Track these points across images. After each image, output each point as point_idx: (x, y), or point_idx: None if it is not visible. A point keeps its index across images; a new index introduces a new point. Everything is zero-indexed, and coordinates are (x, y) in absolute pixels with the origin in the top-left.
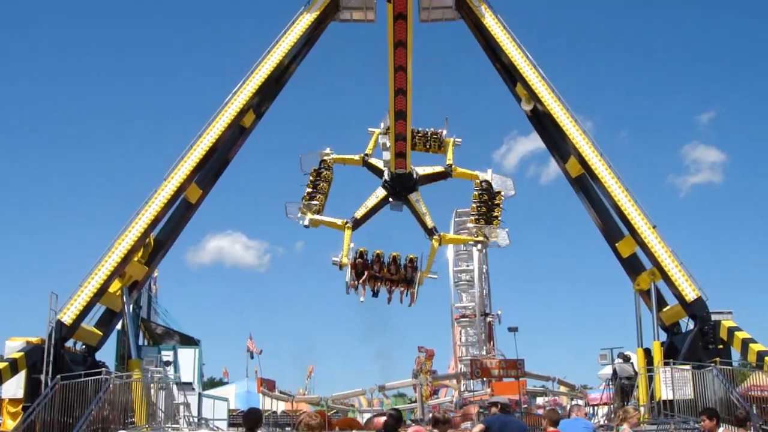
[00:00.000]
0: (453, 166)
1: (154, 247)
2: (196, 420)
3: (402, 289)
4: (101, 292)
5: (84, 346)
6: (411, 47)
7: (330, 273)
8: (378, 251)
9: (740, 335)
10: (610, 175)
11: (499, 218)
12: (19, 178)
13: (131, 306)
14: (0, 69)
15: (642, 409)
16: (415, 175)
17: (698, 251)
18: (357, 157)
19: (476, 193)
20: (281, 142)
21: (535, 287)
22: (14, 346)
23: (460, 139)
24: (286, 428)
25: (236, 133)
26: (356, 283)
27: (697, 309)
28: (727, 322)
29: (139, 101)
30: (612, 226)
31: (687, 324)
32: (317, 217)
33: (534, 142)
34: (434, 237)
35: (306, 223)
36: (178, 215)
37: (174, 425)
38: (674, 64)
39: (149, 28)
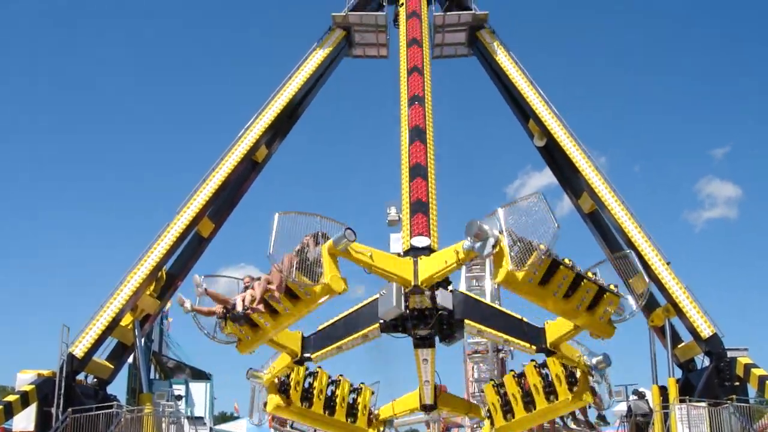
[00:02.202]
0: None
1: (167, 280)
2: None
3: None
4: (113, 325)
5: (95, 380)
6: (429, 76)
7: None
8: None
9: (757, 372)
10: (624, 211)
11: None
12: (33, 210)
13: (143, 339)
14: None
15: None
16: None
17: (714, 286)
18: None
19: None
20: (296, 177)
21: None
22: (25, 379)
23: None
24: None
25: (249, 167)
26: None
27: (712, 346)
28: (744, 359)
29: (153, 136)
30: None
31: (702, 361)
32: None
33: (548, 177)
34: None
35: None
36: (191, 249)
37: None
38: (688, 99)
39: (165, 65)
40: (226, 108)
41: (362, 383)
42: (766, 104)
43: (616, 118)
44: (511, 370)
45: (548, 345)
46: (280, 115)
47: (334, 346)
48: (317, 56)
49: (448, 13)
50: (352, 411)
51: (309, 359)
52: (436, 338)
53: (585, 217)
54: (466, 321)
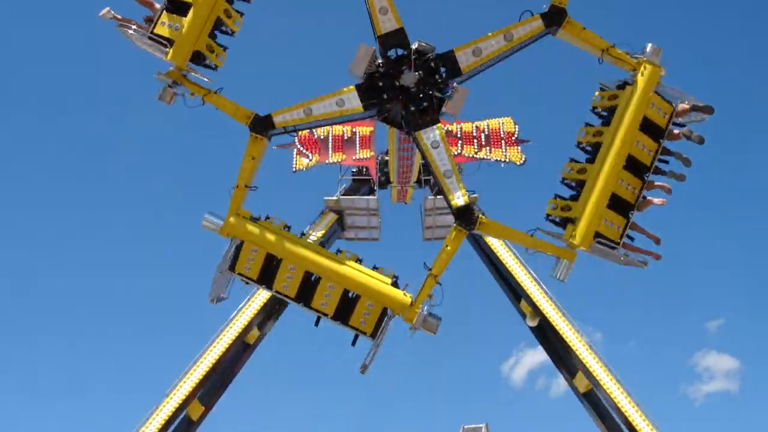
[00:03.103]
0: None
1: None
2: None
3: None
4: None
5: None
6: None
7: None
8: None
9: None
10: (620, 390)
11: None
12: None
13: None
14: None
15: None
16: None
17: None
18: None
19: None
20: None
21: None
22: None
23: None
24: None
25: (240, 350)
26: None
27: None
28: None
29: (141, 317)
30: None
31: None
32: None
33: (543, 354)
34: (458, 228)
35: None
36: None
37: None
38: (680, 275)
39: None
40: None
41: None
42: (755, 278)
43: (609, 292)
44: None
45: None
46: (272, 298)
47: (301, 105)
48: (310, 239)
49: (439, 196)
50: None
51: (270, 123)
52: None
53: (580, 397)
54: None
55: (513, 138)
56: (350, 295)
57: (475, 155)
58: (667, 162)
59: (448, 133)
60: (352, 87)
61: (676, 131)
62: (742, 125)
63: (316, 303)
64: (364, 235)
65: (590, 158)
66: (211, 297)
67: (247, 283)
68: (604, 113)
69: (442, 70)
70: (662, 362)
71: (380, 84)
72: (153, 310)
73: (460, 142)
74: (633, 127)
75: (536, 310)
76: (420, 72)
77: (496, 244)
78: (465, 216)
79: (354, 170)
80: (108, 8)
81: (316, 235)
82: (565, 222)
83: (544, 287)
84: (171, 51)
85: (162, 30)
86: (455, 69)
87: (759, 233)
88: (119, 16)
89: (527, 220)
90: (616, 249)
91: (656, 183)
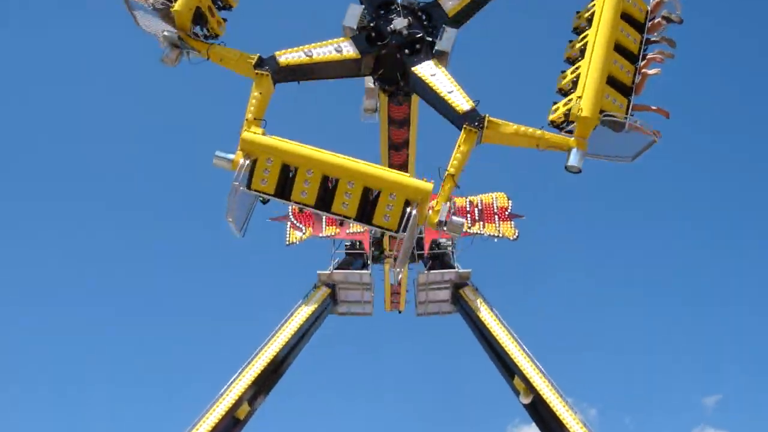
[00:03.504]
0: None
1: None
2: None
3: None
4: None
5: None
6: None
7: None
8: None
9: None
10: None
11: None
12: None
13: None
14: None
15: None
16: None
17: None
18: None
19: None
20: None
21: None
22: None
23: None
24: None
25: (230, 425)
26: None
27: None
28: None
29: (130, 390)
30: None
31: None
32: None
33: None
34: (469, 127)
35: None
36: None
37: None
38: (677, 349)
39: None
40: (205, 363)
41: None
42: (754, 352)
43: (605, 367)
44: None
45: None
46: (264, 372)
47: (302, 48)
48: (302, 313)
49: (432, 271)
50: None
51: (274, 61)
52: None
53: None
54: None
55: (506, 213)
56: (371, 193)
57: (468, 230)
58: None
59: None
60: (346, 37)
61: (656, 20)
62: None
63: (337, 206)
64: (357, 309)
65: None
66: (231, 220)
67: (265, 201)
68: (584, 25)
69: (431, 15)
70: None
71: (373, 34)
72: (143, 377)
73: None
74: (615, 17)
75: (530, 387)
76: (409, 17)
77: (489, 321)
78: (472, 117)
79: (347, 244)
80: None
81: (308, 309)
82: (568, 118)
83: (538, 364)
84: (176, 2)
85: None
86: (442, 14)
87: (756, 309)
88: None
89: (521, 294)
90: (625, 119)
91: (648, 55)
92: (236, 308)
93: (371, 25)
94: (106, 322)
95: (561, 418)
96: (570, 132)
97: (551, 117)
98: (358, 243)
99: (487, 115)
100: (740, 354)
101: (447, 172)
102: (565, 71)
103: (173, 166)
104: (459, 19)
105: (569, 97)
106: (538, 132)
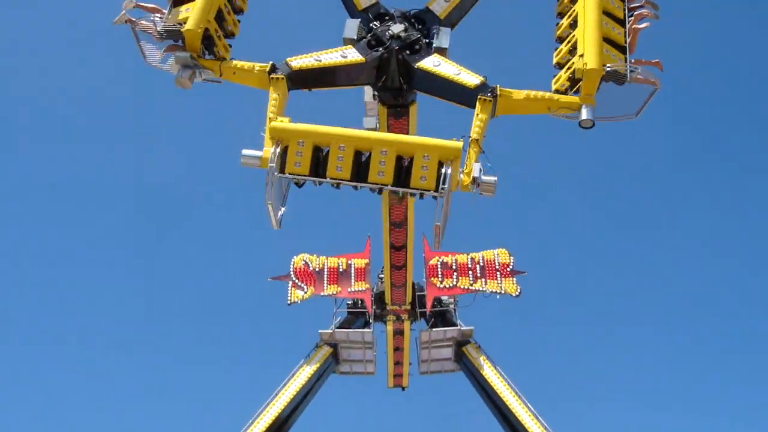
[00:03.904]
0: None
1: None
2: None
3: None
4: None
5: None
6: None
7: None
8: None
9: None
10: None
11: None
12: None
13: None
14: None
15: None
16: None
17: None
18: None
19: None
20: None
21: None
22: None
23: None
24: None
25: None
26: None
27: None
28: None
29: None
30: None
31: None
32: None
33: None
34: (483, 96)
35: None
36: None
37: None
38: (691, 405)
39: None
40: (209, 423)
41: None
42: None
43: (616, 420)
44: None
45: None
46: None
47: (312, 54)
48: (304, 373)
49: (434, 329)
50: None
51: (288, 67)
52: None
53: None
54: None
55: (508, 269)
56: (404, 159)
57: (470, 287)
58: None
59: (444, 264)
60: (350, 45)
61: None
62: None
63: (373, 176)
64: (359, 368)
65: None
66: (270, 203)
67: (300, 184)
68: (568, 7)
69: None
70: None
71: (373, 42)
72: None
73: (455, 273)
74: None
75: None
76: (405, 23)
77: (493, 379)
78: (484, 88)
79: (349, 303)
80: (124, 12)
81: (311, 368)
82: (575, 83)
83: (543, 422)
84: (189, 20)
85: (173, 19)
86: (434, 18)
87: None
88: (134, 19)
89: (525, 351)
90: (626, 72)
91: (636, 13)
92: (238, 368)
93: (370, 33)
94: (103, 381)
95: None
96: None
97: (555, 86)
98: (359, 302)
99: (498, 86)
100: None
101: (471, 138)
102: (558, 47)
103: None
104: (451, 21)
105: (570, 62)
106: (548, 95)
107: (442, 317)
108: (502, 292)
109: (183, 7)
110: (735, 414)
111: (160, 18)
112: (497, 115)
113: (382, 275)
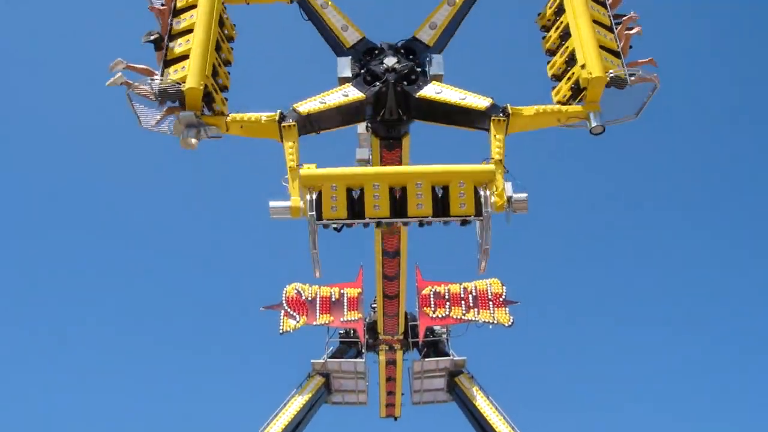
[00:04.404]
0: None
1: None
2: None
3: None
4: None
5: None
6: None
7: None
8: None
9: None
10: None
11: None
12: None
13: None
14: None
15: None
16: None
17: None
18: None
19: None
20: None
21: None
22: None
23: None
24: None
25: None
26: None
27: None
28: None
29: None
30: None
31: None
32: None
33: None
34: (496, 117)
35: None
36: None
37: None
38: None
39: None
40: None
41: None
42: None
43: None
44: None
45: None
46: None
47: (316, 97)
48: (296, 403)
49: (426, 359)
50: None
51: (296, 113)
52: None
53: None
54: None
55: (501, 299)
56: (439, 189)
57: (463, 317)
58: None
59: (436, 294)
60: (348, 84)
61: None
62: None
63: (412, 210)
64: (352, 398)
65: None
66: (315, 252)
67: (338, 229)
68: (551, 20)
69: (413, 50)
70: None
71: (369, 78)
72: None
73: (447, 303)
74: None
75: None
76: (397, 56)
77: (486, 409)
78: (496, 109)
79: (341, 332)
80: (120, 74)
81: (302, 398)
82: (577, 93)
83: None
84: (188, 77)
85: (168, 80)
86: (423, 46)
87: None
88: (130, 82)
89: (518, 381)
90: (627, 76)
91: (625, 18)
92: (229, 396)
93: (364, 69)
94: (96, 393)
95: None
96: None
97: (557, 98)
98: (352, 331)
99: (508, 105)
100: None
101: (494, 159)
102: (551, 60)
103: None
104: (440, 46)
105: (570, 72)
106: (556, 107)
107: (434, 347)
108: (495, 322)
109: (172, 68)
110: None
111: (152, 80)
112: (509, 133)
113: (374, 305)
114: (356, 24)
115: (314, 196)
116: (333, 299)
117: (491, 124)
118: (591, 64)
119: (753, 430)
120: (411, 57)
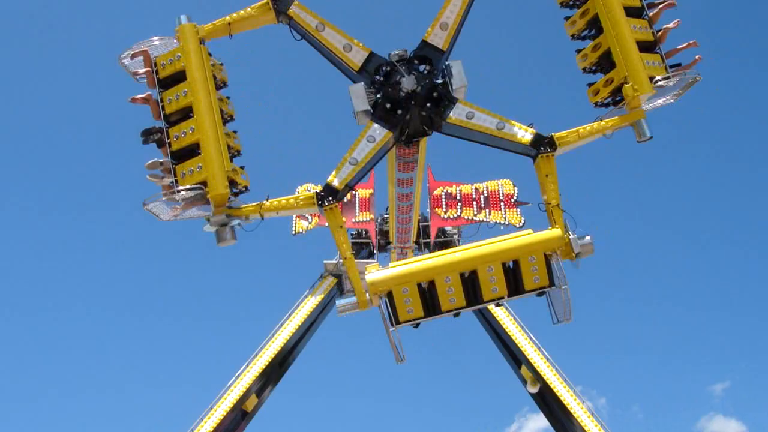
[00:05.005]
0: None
1: None
2: None
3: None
4: None
5: None
6: None
7: None
8: None
9: None
10: None
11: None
12: None
13: None
14: None
15: None
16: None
17: None
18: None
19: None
20: None
21: None
22: None
23: None
24: None
25: (238, 417)
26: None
27: None
28: None
29: (137, 387)
30: None
31: None
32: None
33: (546, 420)
34: (543, 153)
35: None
36: None
37: None
38: (685, 336)
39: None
40: (213, 355)
41: None
42: (760, 342)
43: (613, 356)
44: None
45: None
46: (271, 363)
47: (344, 160)
48: (309, 304)
49: None
50: None
51: (332, 190)
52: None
53: None
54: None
55: (512, 200)
56: (509, 265)
57: (474, 217)
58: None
59: (448, 195)
60: (370, 122)
61: None
62: None
63: (488, 294)
64: None
65: (593, 35)
66: (401, 358)
67: (417, 326)
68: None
69: (427, 57)
70: (667, 427)
71: (388, 105)
72: (148, 370)
73: (459, 204)
74: None
75: (537, 376)
76: (413, 72)
77: (496, 310)
78: (542, 143)
79: (353, 233)
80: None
81: (315, 299)
82: (616, 94)
83: (545, 353)
84: (209, 185)
85: (186, 180)
86: (437, 51)
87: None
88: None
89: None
90: (669, 79)
91: (661, 6)
92: (243, 300)
93: (379, 94)
94: (115, 315)
95: (568, 406)
96: (616, 103)
97: (595, 99)
98: (364, 232)
99: (553, 135)
100: (749, 339)
101: (551, 205)
102: (581, 49)
103: None
104: (452, 46)
105: (608, 76)
106: (599, 124)
107: (446, 248)
108: (506, 222)
109: (187, 165)
110: None
111: (174, 190)
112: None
113: (386, 215)
114: (358, 22)
115: (385, 300)
116: (345, 200)
117: (539, 160)
118: (636, 80)
119: None
120: (426, 68)
